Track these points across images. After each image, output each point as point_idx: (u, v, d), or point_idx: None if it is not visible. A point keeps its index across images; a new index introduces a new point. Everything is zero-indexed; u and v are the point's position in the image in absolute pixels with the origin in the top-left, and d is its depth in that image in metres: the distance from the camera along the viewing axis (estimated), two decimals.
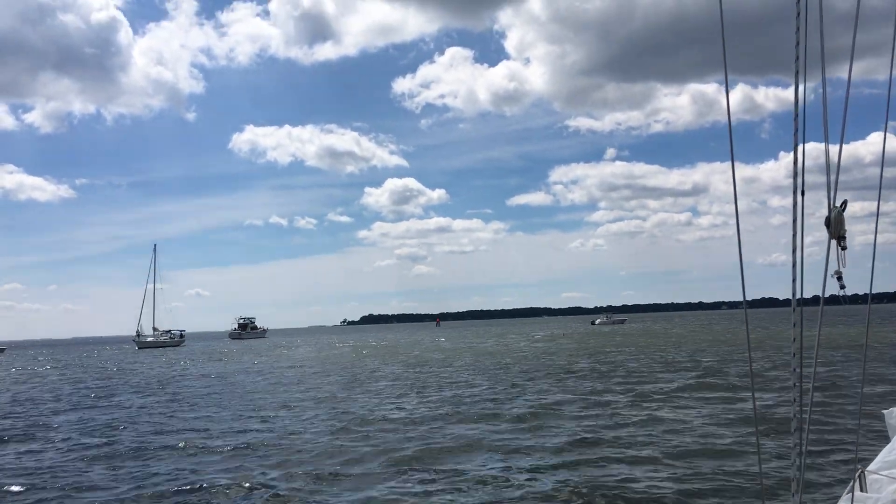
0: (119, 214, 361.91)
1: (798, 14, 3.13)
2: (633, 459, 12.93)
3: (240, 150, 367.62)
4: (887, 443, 4.11)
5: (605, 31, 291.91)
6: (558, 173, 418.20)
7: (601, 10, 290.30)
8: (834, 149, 3.11)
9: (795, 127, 3.07)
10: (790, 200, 3.10)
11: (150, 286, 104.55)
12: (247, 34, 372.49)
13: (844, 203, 3.04)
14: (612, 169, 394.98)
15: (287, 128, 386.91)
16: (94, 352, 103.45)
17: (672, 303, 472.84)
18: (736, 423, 16.04)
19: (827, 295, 3.11)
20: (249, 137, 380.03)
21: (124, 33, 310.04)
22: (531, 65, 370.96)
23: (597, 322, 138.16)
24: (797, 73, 3.08)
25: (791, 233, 3.11)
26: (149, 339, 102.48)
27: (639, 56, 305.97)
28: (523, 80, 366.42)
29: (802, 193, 3.12)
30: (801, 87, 3.06)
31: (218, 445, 16.10)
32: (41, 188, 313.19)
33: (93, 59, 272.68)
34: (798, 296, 3.02)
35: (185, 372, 44.49)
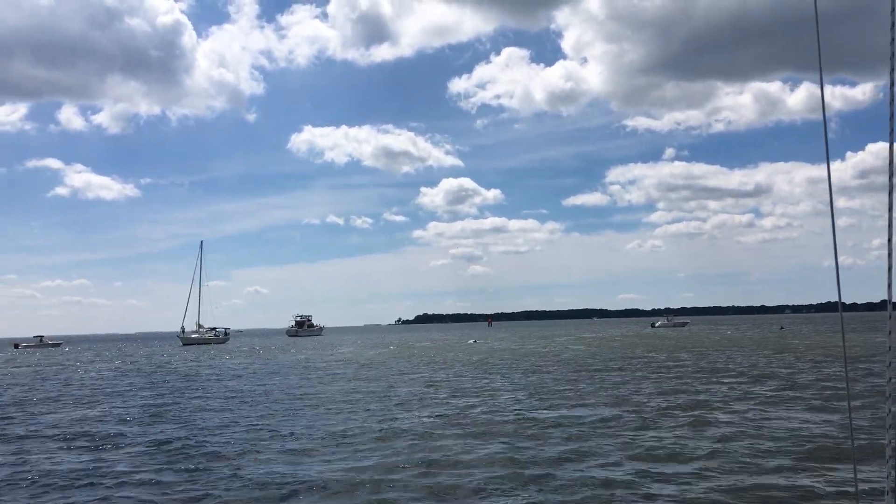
0: (181, 213, 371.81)
1: (893, 9, 3.01)
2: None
3: (298, 151, 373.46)
4: None
5: (664, 29, 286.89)
6: (615, 173, 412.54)
7: (660, 7, 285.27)
8: None
9: (891, 117, 2.94)
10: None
11: (196, 283, 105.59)
12: (305, 36, 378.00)
13: None
14: (671, 169, 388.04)
15: (344, 128, 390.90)
16: (140, 348, 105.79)
17: (732, 306, 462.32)
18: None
19: None
20: (307, 138, 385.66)
21: (188, 36, 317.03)
22: (588, 64, 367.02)
23: (657, 325, 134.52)
24: (893, 69, 2.96)
25: (885, 235, 2.98)
26: (193, 336, 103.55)
27: (698, 54, 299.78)
28: (580, 80, 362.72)
29: (890, 192, 2.98)
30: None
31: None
32: (108, 187, 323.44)
33: (158, 61, 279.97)
34: (894, 299, 2.90)
35: (215, 365, 45.87)
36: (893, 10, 3.04)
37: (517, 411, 20.51)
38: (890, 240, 2.98)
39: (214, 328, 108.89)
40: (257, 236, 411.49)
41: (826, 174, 3.42)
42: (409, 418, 19.74)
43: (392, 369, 39.83)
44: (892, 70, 3.05)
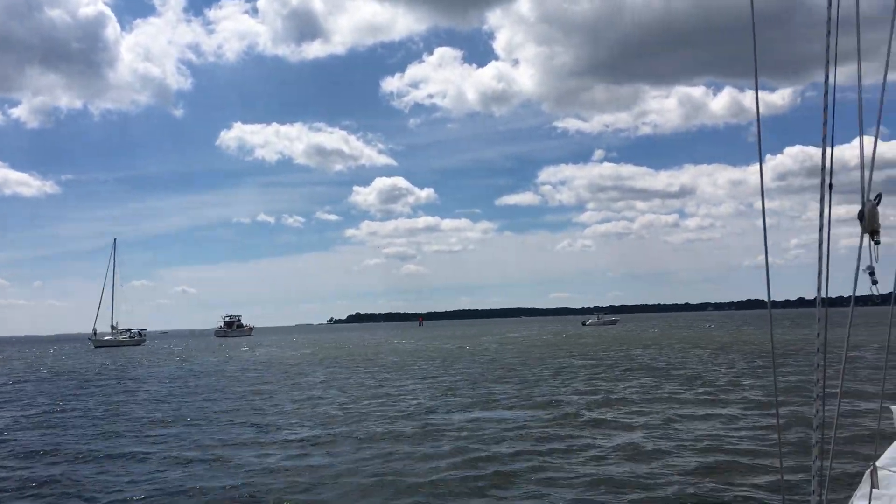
0: (104, 210, 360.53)
1: (829, 18, 3.02)
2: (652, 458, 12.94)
3: (227, 148, 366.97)
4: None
5: (594, 33, 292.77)
6: (547, 174, 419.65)
7: (590, 11, 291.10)
8: (869, 141, 2.99)
9: (825, 123, 2.95)
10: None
11: (110, 283, 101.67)
12: (235, 31, 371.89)
13: (879, 196, 2.89)
14: (601, 170, 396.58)
15: (275, 125, 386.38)
16: (51, 350, 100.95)
17: (659, 304, 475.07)
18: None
19: (858, 293, 2.99)
20: (237, 135, 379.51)
21: (112, 28, 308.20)
22: (520, 66, 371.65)
23: (588, 323, 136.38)
24: (827, 71, 2.96)
25: (817, 232, 2.99)
26: (106, 339, 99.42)
27: (626, 58, 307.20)
28: (512, 81, 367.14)
29: (830, 187, 3.00)
30: (830, 77, 2.95)
31: None
32: (27, 184, 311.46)
33: (80, 53, 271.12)
34: (824, 294, 2.91)
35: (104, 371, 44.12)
36: (830, 19, 3.05)
37: (411, 415, 19.82)
38: (820, 244, 2.99)
39: (129, 330, 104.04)
40: (185, 235, 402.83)
41: (759, 178, 3.42)
42: (289, 429, 18.21)
43: (301, 372, 38.73)
44: (827, 79, 3.05)
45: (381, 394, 25.52)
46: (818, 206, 2.85)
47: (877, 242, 2.92)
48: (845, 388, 2.99)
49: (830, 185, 3.08)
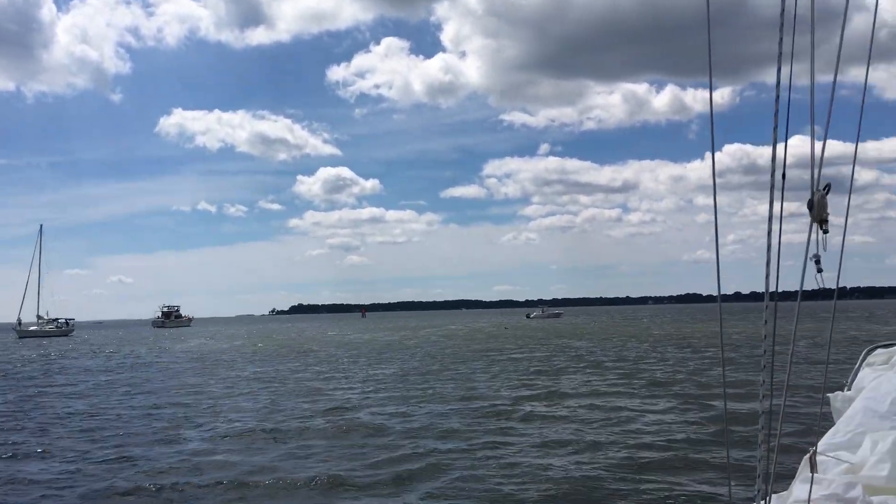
0: (38, 196, 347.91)
1: (787, 15, 2.97)
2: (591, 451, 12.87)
3: (167, 134, 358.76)
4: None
5: (541, 28, 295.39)
6: (492, 167, 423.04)
7: (537, 5, 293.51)
8: (820, 132, 3.00)
9: (776, 123, 2.91)
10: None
11: (36, 270, 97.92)
12: (175, 14, 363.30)
13: (828, 186, 2.95)
14: (546, 164, 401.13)
15: (217, 112, 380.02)
16: None
17: (601, 297, 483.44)
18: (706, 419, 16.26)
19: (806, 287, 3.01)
20: (177, 121, 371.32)
21: (47, 9, 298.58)
22: (467, 58, 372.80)
23: (532, 315, 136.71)
24: (779, 68, 2.92)
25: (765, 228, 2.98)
26: (31, 329, 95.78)
27: (572, 54, 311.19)
28: (459, 73, 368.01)
29: (783, 176, 2.99)
30: (783, 73, 2.93)
31: None
32: None
33: (13, 34, 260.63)
34: (773, 288, 2.91)
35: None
36: (783, 12, 3.01)
37: (332, 410, 19.13)
38: (770, 219, 2.99)
39: (56, 319, 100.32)
40: (122, 223, 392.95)
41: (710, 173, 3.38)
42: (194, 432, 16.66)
43: (229, 365, 37.67)
44: (779, 76, 3.01)
45: (308, 388, 24.72)
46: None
47: (825, 231, 2.96)
48: (783, 380, 3.01)
49: (784, 176, 3.05)
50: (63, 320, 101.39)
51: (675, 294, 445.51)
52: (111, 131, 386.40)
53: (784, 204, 2.96)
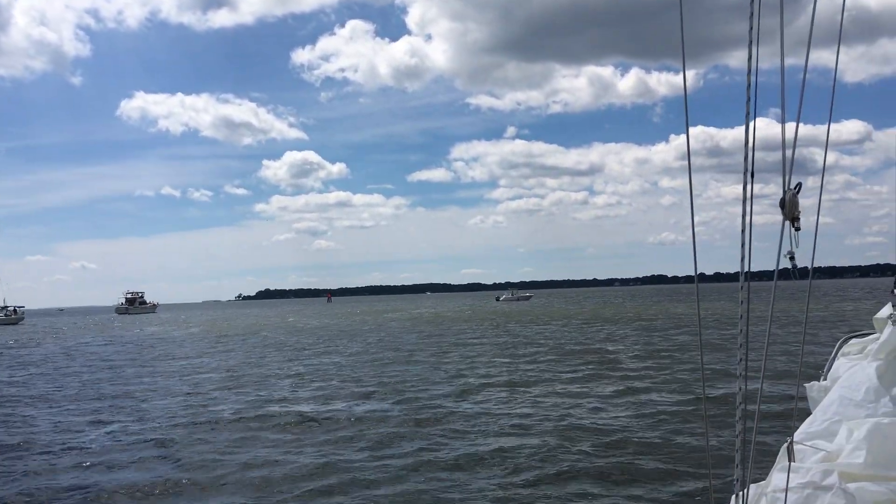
0: None
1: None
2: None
3: (129, 118, 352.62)
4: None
5: (506, 10, 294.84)
6: (459, 150, 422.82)
7: None
8: (790, 128, 3.02)
9: (748, 109, 2.94)
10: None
11: None
12: None
13: (799, 185, 3.02)
14: (512, 147, 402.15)
15: (180, 96, 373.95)
16: None
17: (568, 279, 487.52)
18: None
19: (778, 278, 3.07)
20: (139, 104, 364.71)
21: None
22: (433, 41, 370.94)
23: (501, 298, 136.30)
24: (751, 50, 2.95)
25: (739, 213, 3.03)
26: None
27: (538, 37, 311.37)
28: (425, 56, 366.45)
29: (752, 175, 3.04)
30: (753, 60, 2.95)
31: None
32: None
33: None
34: (747, 269, 2.97)
35: None
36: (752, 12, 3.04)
37: (268, 402, 18.14)
38: (745, 200, 3.04)
39: (4, 307, 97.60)
40: (84, 208, 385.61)
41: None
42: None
43: (178, 352, 36.83)
44: (750, 59, 3.04)
45: (249, 377, 23.67)
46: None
47: (797, 229, 3.02)
48: (757, 368, 3.06)
49: (754, 155, 3.10)
50: (12, 308, 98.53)
51: (641, 276, 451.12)
52: (71, 115, 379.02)
53: (741, 188, 3.01)
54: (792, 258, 2.98)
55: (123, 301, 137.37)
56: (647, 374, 21.36)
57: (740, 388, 2.89)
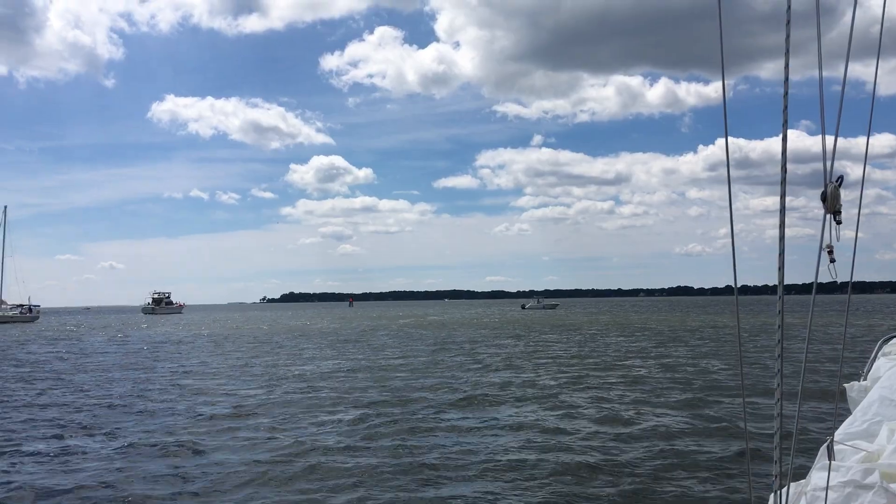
0: (29, 181, 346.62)
1: (784, 7, 2.99)
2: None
3: (159, 121, 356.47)
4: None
5: (534, 19, 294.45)
6: (485, 157, 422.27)
7: None
8: (829, 122, 3.02)
9: (785, 117, 2.92)
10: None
11: None
12: (169, 1, 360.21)
13: (841, 178, 2.98)
14: (539, 155, 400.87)
15: (210, 99, 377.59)
16: None
17: (592, 289, 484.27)
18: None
19: (818, 279, 3.04)
20: (170, 107, 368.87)
21: None
22: (461, 48, 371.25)
23: (527, 306, 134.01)
24: (787, 61, 2.93)
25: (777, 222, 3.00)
26: None
27: (566, 45, 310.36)
28: (452, 64, 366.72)
29: (784, 181, 3.01)
30: (788, 69, 2.94)
31: None
32: None
33: (5, 19, 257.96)
34: (783, 279, 2.94)
35: None
36: (789, 8, 3.01)
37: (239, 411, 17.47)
38: (781, 210, 3.01)
39: (20, 305, 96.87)
40: (114, 209, 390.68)
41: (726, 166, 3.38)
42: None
43: (172, 354, 36.25)
44: (787, 61, 3.01)
45: (233, 386, 22.58)
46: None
47: (838, 222, 2.99)
48: (797, 366, 3.05)
49: (784, 166, 3.07)
50: (27, 306, 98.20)
51: (666, 286, 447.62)
52: (103, 117, 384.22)
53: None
54: (830, 252, 2.95)
55: (150, 301, 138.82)
56: (686, 377, 21.64)
57: (778, 385, 2.87)
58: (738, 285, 3.16)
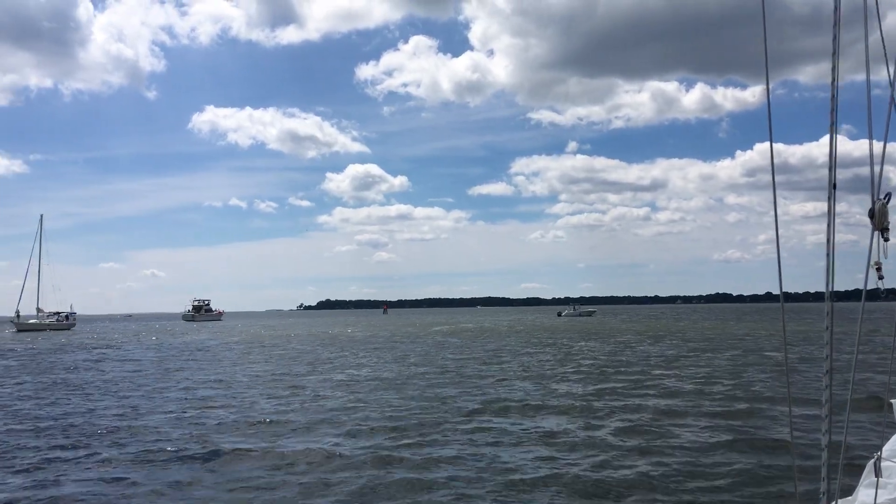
0: (74, 191, 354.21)
1: (827, 11, 2.96)
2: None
3: (199, 131, 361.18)
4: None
5: (568, 26, 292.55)
6: (520, 165, 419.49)
7: (564, 3, 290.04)
8: (878, 142, 2.98)
9: (833, 119, 2.89)
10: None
11: (36, 262, 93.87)
12: (208, 14, 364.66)
13: (889, 195, 2.96)
14: (573, 162, 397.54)
15: (248, 110, 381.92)
16: None
17: (629, 296, 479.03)
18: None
19: (865, 287, 2.99)
20: (210, 118, 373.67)
21: (84, 8, 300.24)
22: (495, 56, 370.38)
23: (563, 314, 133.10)
24: (834, 66, 2.90)
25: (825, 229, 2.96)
26: (30, 322, 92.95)
27: (600, 51, 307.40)
28: (486, 72, 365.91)
29: (835, 186, 2.98)
30: (838, 74, 2.90)
31: None
32: None
33: (51, 32, 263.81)
34: (831, 288, 2.91)
35: None
36: (836, 9, 2.98)
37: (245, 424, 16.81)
38: (829, 226, 2.96)
39: (57, 313, 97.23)
40: (155, 217, 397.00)
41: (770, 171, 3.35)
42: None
43: (197, 361, 36.41)
44: (834, 66, 2.99)
45: (248, 398, 22.27)
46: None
47: (886, 239, 2.96)
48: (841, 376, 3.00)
49: (835, 185, 3.03)
50: (64, 314, 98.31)
51: (704, 294, 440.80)
52: (145, 128, 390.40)
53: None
54: (878, 269, 2.92)
55: (190, 308, 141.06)
56: (726, 389, 21.10)
57: (826, 401, 2.83)
58: (778, 292, 3.13)
